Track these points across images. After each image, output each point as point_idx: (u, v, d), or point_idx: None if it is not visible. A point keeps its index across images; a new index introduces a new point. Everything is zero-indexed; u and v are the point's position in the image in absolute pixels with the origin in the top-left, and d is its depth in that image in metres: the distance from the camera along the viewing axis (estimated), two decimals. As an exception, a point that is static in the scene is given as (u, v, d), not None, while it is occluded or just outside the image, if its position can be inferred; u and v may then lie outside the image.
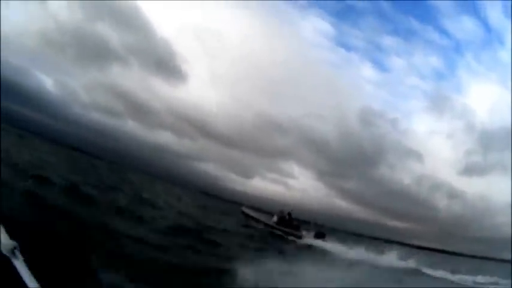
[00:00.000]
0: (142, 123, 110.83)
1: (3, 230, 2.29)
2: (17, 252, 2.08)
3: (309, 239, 25.54)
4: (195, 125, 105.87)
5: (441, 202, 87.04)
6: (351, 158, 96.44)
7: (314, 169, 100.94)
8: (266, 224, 26.67)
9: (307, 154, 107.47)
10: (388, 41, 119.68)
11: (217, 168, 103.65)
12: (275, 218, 27.29)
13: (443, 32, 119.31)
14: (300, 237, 25.44)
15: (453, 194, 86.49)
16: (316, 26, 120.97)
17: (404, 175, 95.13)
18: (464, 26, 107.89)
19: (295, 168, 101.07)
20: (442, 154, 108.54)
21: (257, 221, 27.18)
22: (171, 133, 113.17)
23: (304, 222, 31.08)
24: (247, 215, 28.01)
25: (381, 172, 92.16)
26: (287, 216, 27.25)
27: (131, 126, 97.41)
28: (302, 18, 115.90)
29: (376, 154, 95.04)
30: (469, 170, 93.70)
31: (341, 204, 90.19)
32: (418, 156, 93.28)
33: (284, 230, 25.98)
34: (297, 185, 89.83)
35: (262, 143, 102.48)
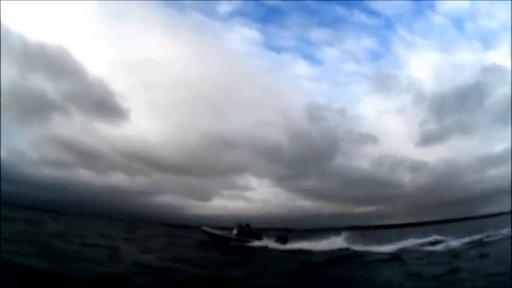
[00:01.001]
0: (92, 169, 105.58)
1: None
2: None
3: (270, 243, 25.71)
4: (145, 160, 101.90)
5: (404, 177, 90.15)
6: (306, 157, 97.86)
7: (271, 176, 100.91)
8: (227, 238, 26.57)
9: (261, 163, 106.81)
10: (316, 33, 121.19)
11: (175, 198, 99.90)
12: (235, 231, 27.22)
13: (371, 12, 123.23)
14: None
15: (415, 166, 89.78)
16: (242, 35, 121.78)
17: (362, 160, 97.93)
18: (391, 2, 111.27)
19: (251, 180, 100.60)
20: (396, 131, 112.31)
21: (217, 236, 27.00)
22: (123, 173, 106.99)
23: (268, 229, 31.13)
24: (207, 233, 27.70)
25: (338, 163, 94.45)
26: (246, 228, 27.26)
27: (83, 174, 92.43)
28: (227, 30, 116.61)
29: (330, 147, 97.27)
30: (427, 140, 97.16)
31: (305, 204, 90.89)
32: (372, 138, 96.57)
33: (245, 240, 26.00)
34: (256, 195, 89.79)
35: (213, 162, 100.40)
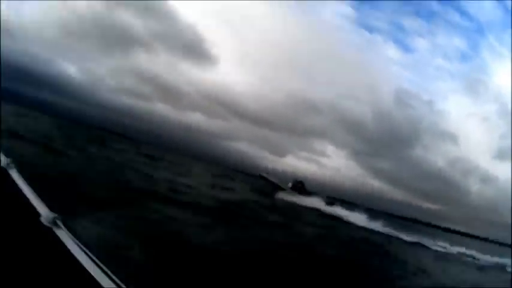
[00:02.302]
0: (173, 105, 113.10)
1: (42, 204, 2.22)
2: (59, 223, 2.01)
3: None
4: (227, 106, 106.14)
5: (473, 186, 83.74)
6: (387, 139, 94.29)
7: (348, 148, 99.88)
8: (281, 187, 30.92)
9: (342, 133, 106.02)
10: (410, 22, 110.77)
11: (249, 147, 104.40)
12: (290, 184, 31.42)
13: (464, 14, 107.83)
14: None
15: (486, 179, 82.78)
16: (337, 9, 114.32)
17: (439, 157, 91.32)
18: (485, 8, 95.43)
19: (328, 147, 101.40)
20: (477, 137, 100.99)
21: (273, 184, 31.48)
22: (202, 114, 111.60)
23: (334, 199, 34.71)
24: (265, 179, 32.23)
25: (415, 153, 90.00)
26: (299, 184, 31.28)
27: (161, 109, 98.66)
28: (321, 1, 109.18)
29: (412, 135, 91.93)
30: (503, 155, 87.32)
31: (373, 183, 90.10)
32: (453, 138, 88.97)
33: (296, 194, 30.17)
34: (330, 163, 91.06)
35: (295, 122, 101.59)
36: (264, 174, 32.56)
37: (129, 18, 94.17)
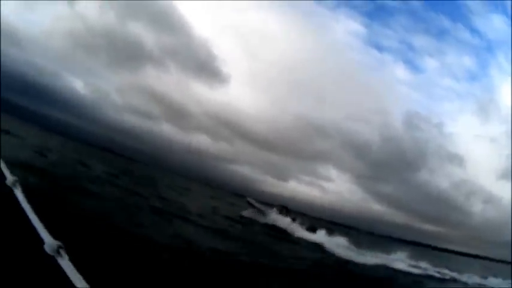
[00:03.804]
0: (178, 126, 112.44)
1: (45, 231, 2.16)
2: (62, 252, 1.96)
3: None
4: (232, 128, 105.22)
5: (476, 207, 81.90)
6: (392, 162, 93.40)
7: (352, 172, 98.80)
8: (265, 213, 30.65)
9: (347, 157, 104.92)
10: (420, 40, 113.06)
11: (253, 171, 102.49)
12: (274, 210, 31.15)
13: (475, 31, 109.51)
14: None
15: (489, 199, 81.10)
16: (347, 27, 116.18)
17: (444, 179, 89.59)
18: (494, 24, 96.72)
19: (332, 172, 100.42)
20: (484, 158, 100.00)
21: (259, 210, 31.25)
22: (207, 136, 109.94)
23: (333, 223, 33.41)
24: (251, 205, 32.08)
25: (421, 177, 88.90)
26: (284, 210, 30.92)
27: (166, 129, 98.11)
28: (333, 19, 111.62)
29: (418, 159, 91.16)
30: (510, 175, 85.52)
31: (375, 208, 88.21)
32: (459, 160, 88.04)
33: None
34: (333, 187, 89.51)
35: (300, 145, 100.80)
36: (251, 200, 32.42)
37: (141, 31, 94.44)
